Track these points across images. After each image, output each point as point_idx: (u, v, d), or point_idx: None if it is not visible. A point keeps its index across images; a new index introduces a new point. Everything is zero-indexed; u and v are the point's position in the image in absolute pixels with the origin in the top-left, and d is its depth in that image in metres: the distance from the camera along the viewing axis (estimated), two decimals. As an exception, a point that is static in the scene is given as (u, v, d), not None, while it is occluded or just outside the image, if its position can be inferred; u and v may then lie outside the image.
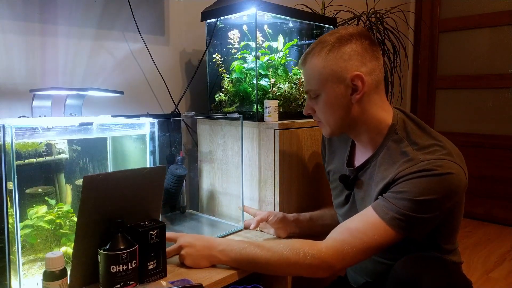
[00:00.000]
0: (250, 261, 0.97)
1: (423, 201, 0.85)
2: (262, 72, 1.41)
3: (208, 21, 1.51)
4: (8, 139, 0.85)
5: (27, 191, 1.00)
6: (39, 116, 1.16)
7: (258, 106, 1.35)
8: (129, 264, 0.87)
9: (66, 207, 1.05)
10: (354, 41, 0.95)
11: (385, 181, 0.93)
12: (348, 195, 1.07)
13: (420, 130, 0.97)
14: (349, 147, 1.10)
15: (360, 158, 1.05)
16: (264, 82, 1.40)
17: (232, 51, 1.47)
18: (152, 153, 1.10)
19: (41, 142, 1.02)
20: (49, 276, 0.83)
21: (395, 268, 0.85)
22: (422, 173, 0.87)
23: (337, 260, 0.90)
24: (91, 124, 1.02)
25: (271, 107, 1.30)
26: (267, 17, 1.46)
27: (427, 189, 0.86)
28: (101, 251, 0.86)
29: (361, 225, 0.91)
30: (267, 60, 1.43)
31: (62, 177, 1.09)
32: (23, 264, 0.94)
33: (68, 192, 1.10)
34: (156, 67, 1.53)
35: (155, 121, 1.10)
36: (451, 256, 1.00)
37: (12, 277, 0.88)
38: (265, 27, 1.45)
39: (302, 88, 1.48)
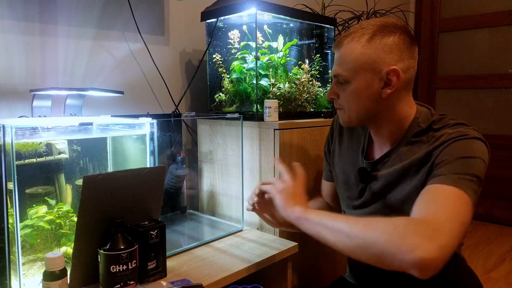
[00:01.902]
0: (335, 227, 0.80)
1: (469, 159, 0.84)
2: (262, 72, 1.41)
3: (208, 21, 1.51)
4: (8, 139, 0.85)
5: (27, 191, 1.00)
6: (39, 116, 1.16)
7: (258, 106, 1.35)
8: (129, 264, 0.87)
9: (66, 207, 1.05)
10: (398, 34, 0.92)
11: (416, 158, 0.92)
12: (363, 188, 1.05)
13: (443, 117, 0.96)
14: (364, 139, 1.07)
15: (378, 151, 1.03)
16: (264, 82, 1.40)
17: (232, 51, 1.47)
18: (152, 153, 1.10)
19: (41, 142, 1.02)
20: (49, 276, 0.83)
21: None
22: (455, 139, 0.87)
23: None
24: (91, 124, 1.02)
25: (271, 107, 1.30)
26: (267, 17, 1.46)
27: (468, 148, 0.86)
28: (101, 251, 0.86)
29: (445, 206, 0.78)
30: (267, 60, 1.43)
31: (62, 177, 1.09)
32: (23, 264, 0.94)
33: (68, 192, 1.10)
34: (156, 67, 1.53)
35: (155, 121, 1.10)
36: (459, 251, 1.00)
37: (12, 277, 0.88)
38: (265, 27, 1.45)
39: (302, 87, 1.48)
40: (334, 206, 1.22)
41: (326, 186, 1.24)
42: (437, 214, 0.75)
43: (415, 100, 1.02)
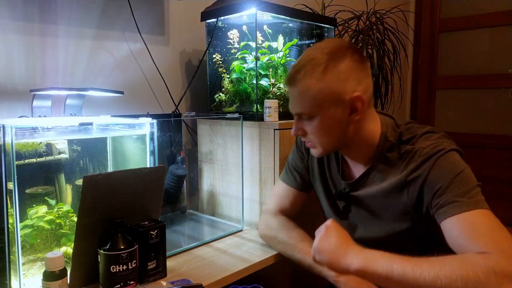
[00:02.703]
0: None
1: (461, 174, 0.86)
2: (262, 72, 1.41)
3: (208, 21, 1.51)
4: (8, 139, 0.85)
5: (27, 191, 1.00)
6: (39, 116, 1.16)
7: (258, 106, 1.35)
8: (129, 264, 0.87)
9: (66, 207, 1.05)
10: (348, 57, 0.90)
11: (395, 180, 0.93)
12: (346, 207, 1.06)
13: (410, 127, 0.97)
14: (337, 160, 1.07)
15: (355, 170, 1.03)
16: (264, 82, 1.40)
17: (232, 51, 1.47)
18: (152, 153, 1.10)
19: (41, 142, 1.02)
20: (49, 276, 0.83)
21: None
22: (434, 158, 0.88)
23: None
24: (91, 124, 1.02)
25: (271, 107, 1.30)
26: (267, 17, 1.46)
27: (452, 164, 0.87)
28: (101, 251, 0.86)
29: (484, 233, 0.80)
30: (267, 60, 1.43)
31: (62, 177, 1.09)
32: (23, 264, 0.94)
33: (68, 192, 1.10)
34: (156, 67, 1.53)
35: (155, 121, 1.10)
36: None
37: (12, 277, 0.88)
38: (265, 27, 1.45)
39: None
40: (296, 214, 1.17)
41: (296, 196, 1.15)
42: (503, 245, 0.77)
43: (378, 110, 1.02)
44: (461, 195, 0.84)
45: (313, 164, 1.12)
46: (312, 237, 1.04)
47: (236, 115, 1.34)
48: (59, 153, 1.07)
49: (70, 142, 1.09)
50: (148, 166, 1.09)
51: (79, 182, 1.09)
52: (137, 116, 1.15)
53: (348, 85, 0.90)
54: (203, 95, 1.63)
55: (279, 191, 1.17)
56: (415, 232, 0.96)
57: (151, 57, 1.51)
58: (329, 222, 0.93)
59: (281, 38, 1.46)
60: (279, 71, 1.44)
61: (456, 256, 0.79)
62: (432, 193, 0.88)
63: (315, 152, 1.00)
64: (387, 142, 0.95)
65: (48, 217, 1.00)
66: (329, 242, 0.90)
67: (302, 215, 1.18)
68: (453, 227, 0.83)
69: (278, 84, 1.42)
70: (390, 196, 0.94)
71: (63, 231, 1.02)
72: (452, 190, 0.85)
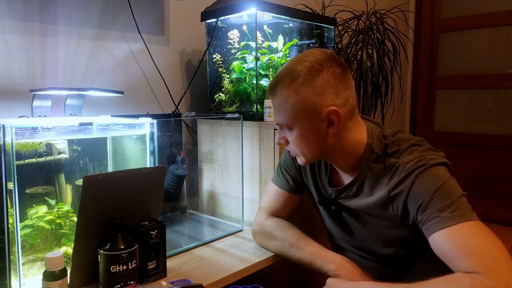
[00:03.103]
0: None
1: (442, 186, 0.85)
2: (262, 72, 1.41)
3: (208, 21, 1.51)
4: (8, 139, 0.85)
5: (27, 191, 1.00)
6: (39, 116, 1.16)
7: (258, 106, 1.35)
8: (129, 264, 0.87)
9: (66, 207, 1.05)
10: (326, 71, 0.90)
11: (380, 195, 0.93)
12: (336, 210, 1.06)
13: (396, 139, 0.96)
14: (326, 167, 1.07)
15: (342, 177, 1.03)
16: (264, 82, 1.40)
17: (232, 51, 1.47)
18: (152, 153, 1.10)
19: (41, 142, 1.02)
20: (49, 276, 0.83)
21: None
22: (415, 174, 0.87)
23: None
24: (91, 124, 1.02)
25: (271, 107, 1.30)
26: (267, 17, 1.46)
27: (433, 178, 0.86)
28: (101, 251, 0.86)
29: (471, 248, 0.80)
30: (267, 60, 1.43)
31: (62, 177, 1.09)
32: (23, 264, 0.94)
33: (68, 192, 1.10)
34: (156, 67, 1.53)
35: (155, 121, 1.10)
36: None
37: (12, 277, 0.88)
38: (265, 27, 1.45)
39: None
40: (289, 216, 1.16)
41: (288, 199, 1.15)
42: (490, 263, 0.77)
43: (364, 116, 1.02)
44: (443, 209, 0.83)
45: (305, 167, 1.12)
46: (309, 235, 1.05)
47: (236, 115, 1.34)
48: (59, 153, 1.07)
49: (70, 142, 1.09)
50: (148, 166, 1.09)
51: (79, 182, 1.09)
52: (137, 116, 1.15)
53: (323, 99, 0.90)
54: (203, 95, 1.63)
55: (272, 192, 1.17)
56: (406, 239, 0.96)
57: (151, 57, 1.51)
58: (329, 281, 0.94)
59: (281, 38, 1.46)
60: (279, 71, 1.44)
61: (444, 278, 0.79)
62: (415, 209, 0.87)
63: (299, 160, 1.00)
64: (373, 153, 0.95)
65: (48, 217, 1.00)
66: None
67: (299, 216, 1.18)
68: (439, 243, 0.83)
69: (278, 84, 1.42)
70: (376, 209, 0.95)
71: (63, 231, 1.02)
72: (434, 204, 0.84)
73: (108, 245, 0.87)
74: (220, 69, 1.50)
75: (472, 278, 0.76)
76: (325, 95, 0.90)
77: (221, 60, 1.50)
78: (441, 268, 0.82)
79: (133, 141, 1.18)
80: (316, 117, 0.91)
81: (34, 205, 1.01)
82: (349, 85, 0.94)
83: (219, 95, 1.51)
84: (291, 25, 1.59)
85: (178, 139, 1.50)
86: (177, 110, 1.58)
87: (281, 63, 1.45)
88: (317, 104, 0.90)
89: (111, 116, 1.26)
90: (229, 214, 1.44)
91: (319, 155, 0.98)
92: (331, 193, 1.04)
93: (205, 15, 1.49)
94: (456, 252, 0.81)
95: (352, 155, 0.96)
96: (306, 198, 1.18)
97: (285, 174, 1.14)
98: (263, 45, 1.44)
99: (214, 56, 1.51)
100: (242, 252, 1.13)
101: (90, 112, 1.34)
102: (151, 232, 0.93)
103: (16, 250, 0.88)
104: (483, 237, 0.81)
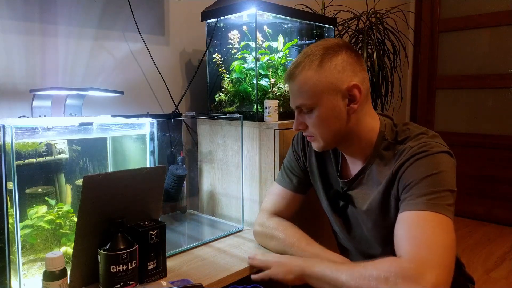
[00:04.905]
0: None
1: (435, 175, 0.85)
2: (262, 72, 1.41)
3: (208, 21, 1.51)
4: (8, 139, 0.85)
5: (27, 191, 1.00)
6: (39, 116, 1.16)
7: (258, 106, 1.35)
8: (129, 264, 0.87)
9: (66, 207, 1.05)
10: (344, 52, 0.94)
11: (385, 179, 0.93)
12: (344, 205, 1.06)
13: (406, 128, 0.98)
14: (336, 159, 1.08)
15: (352, 168, 1.04)
16: (264, 82, 1.40)
17: (232, 51, 1.47)
18: (152, 153, 1.10)
19: (41, 142, 1.02)
20: (49, 276, 0.83)
21: None
22: (416, 157, 0.88)
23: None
24: (91, 124, 1.02)
25: (271, 107, 1.30)
26: (267, 17, 1.46)
27: (430, 165, 0.87)
28: (101, 251, 0.86)
29: (426, 238, 0.79)
30: (267, 60, 1.43)
31: (62, 177, 1.09)
32: (23, 264, 0.94)
33: (68, 192, 1.10)
34: (156, 67, 1.53)
35: (155, 121, 1.10)
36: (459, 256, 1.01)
37: (12, 277, 0.88)
38: (265, 27, 1.45)
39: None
40: (292, 216, 1.16)
41: (291, 198, 1.15)
42: (421, 251, 0.77)
43: (377, 111, 1.03)
44: (424, 194, 0.84)
45: (312, 164, 1.13)
46: (310, 235, 1.05)
47: (236, 115, 1.34)
48: (59, 153, 1.07)
49: (70, 142, 1.09)
50: (148, 166, 1.09)
51: (79, 182, 1.09)
52: (137, 116, 1.15)
53: (344, 75, 0.93)
54: (203, 95, 1.63)
55: (275, 193, 1.17)
56: None
57: (151, 57, 1.51)
58: None
59: (281, 38, 1.46)
60: (279, 71, 1.44)
61: (378, 261, 0.80)
62: (403, 187, 0.89)
63: (316, 145, 1.01)
64: (384, 141, 0.97)
65: (48, 217, 1.00)
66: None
67: (302, 216, 1.18)
68: (399, 221, 0.85)
69: (278, 84, 1.42)
70: (384, 194, 0.95)
71: (63, 231, 1.02)
72: (419, 188, 0.85)
73: (108, 245, 0.87)
74: (220, 69, 1.50)
75: (394, 260, 0.78)
76: (345, 72, 0.93)
77: (221, 60, 1.50)
78: None
79: (133, 141, 1.18)
80: (338, 93, 0.93)
81: (34, 205, 1.01)
82: (364, 67, 0.97)
83: (219, 95, 1.51)
84: (291, 25, 1.59)
85: (178, 139, 1.50)
86: (177, 110, 1.58)
87: (281, 63, 1.45)
88: (338, 80, 0.92)
89: (111, 116, 1.26)
90: (229, 214, 1.44)
91: (337, 138, 0.98)
92: (342, 186, 1.05)
93: (205, 15, 1.49)
94: (404, 234, 0.82)
95: (365, 141, 0.98)
96: (307, 199, 1.18)
97: (289, 174, 1.15)
98: (263, 45, 1.44)
99: (214, 56, 1.51)
100: (242, 252, 1.13)
101: (90, 112, 1.34)
102: (151, 232, 0.94)
103: (16, 250, 0.88)
104: (437, 232, 0.80)
